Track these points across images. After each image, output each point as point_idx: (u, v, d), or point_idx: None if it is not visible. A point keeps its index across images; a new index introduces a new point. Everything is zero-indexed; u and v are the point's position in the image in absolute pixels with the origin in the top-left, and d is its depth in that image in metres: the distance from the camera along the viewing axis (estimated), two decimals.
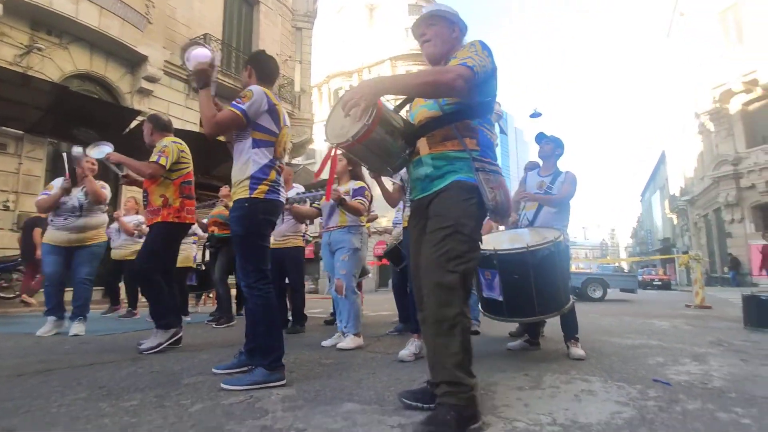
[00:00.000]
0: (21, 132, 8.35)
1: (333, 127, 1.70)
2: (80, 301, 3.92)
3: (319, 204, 3.97)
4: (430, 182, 1.71)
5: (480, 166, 1.66)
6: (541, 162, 3.57)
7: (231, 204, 4.65)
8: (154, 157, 3.12)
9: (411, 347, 2.88)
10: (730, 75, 19.92)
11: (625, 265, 48.81)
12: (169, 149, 3.16)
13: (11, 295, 7.54)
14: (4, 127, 8.14)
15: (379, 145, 1.66)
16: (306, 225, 5.09)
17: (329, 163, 1.74)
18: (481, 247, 1.79)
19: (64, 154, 3.88)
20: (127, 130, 8.36)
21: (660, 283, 23.63)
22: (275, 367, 2.13)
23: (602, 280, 11.19)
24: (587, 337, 3.79)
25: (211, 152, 7.92)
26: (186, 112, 11.53)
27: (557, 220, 3.27)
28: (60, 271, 3.87)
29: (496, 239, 3.17)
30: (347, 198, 3.52)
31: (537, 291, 2.54)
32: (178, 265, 5.36)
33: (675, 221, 34.21)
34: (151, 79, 10.50)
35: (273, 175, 2.35)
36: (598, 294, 10.77)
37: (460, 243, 1.57)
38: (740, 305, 4.99)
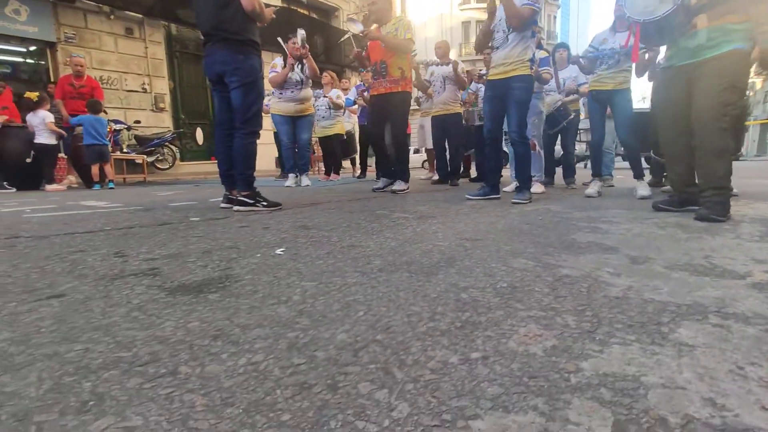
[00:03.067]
0: (140, 16, 8.88)
1: (636, 5, 2.26)
2: (304, 160, 4.98)
3: None
4: (699, 50, 2.29)
5: (752, 36, 2.22)
6: None
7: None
8: (408, 34, 3.70)
9: (595, 186, 3.72)
10: None
11: None
12: (412, 27, 3.74)
13: (167, 167, 8.90)
14: (126, 12, 8.69)
15: (670, 20, 2.22)
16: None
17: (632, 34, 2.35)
18: None
19: (279, 39, 4.53)
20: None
21: None
22: (530, 188, 3.29)
23: None
24: None
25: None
26: None
27: None
28: (292, 138, 4.84)
29: None
30: None
31: None
32: (335, 132, 6.21)
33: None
34: None
35: None
36: None
37: (734, 94, 2.22)
38: None
